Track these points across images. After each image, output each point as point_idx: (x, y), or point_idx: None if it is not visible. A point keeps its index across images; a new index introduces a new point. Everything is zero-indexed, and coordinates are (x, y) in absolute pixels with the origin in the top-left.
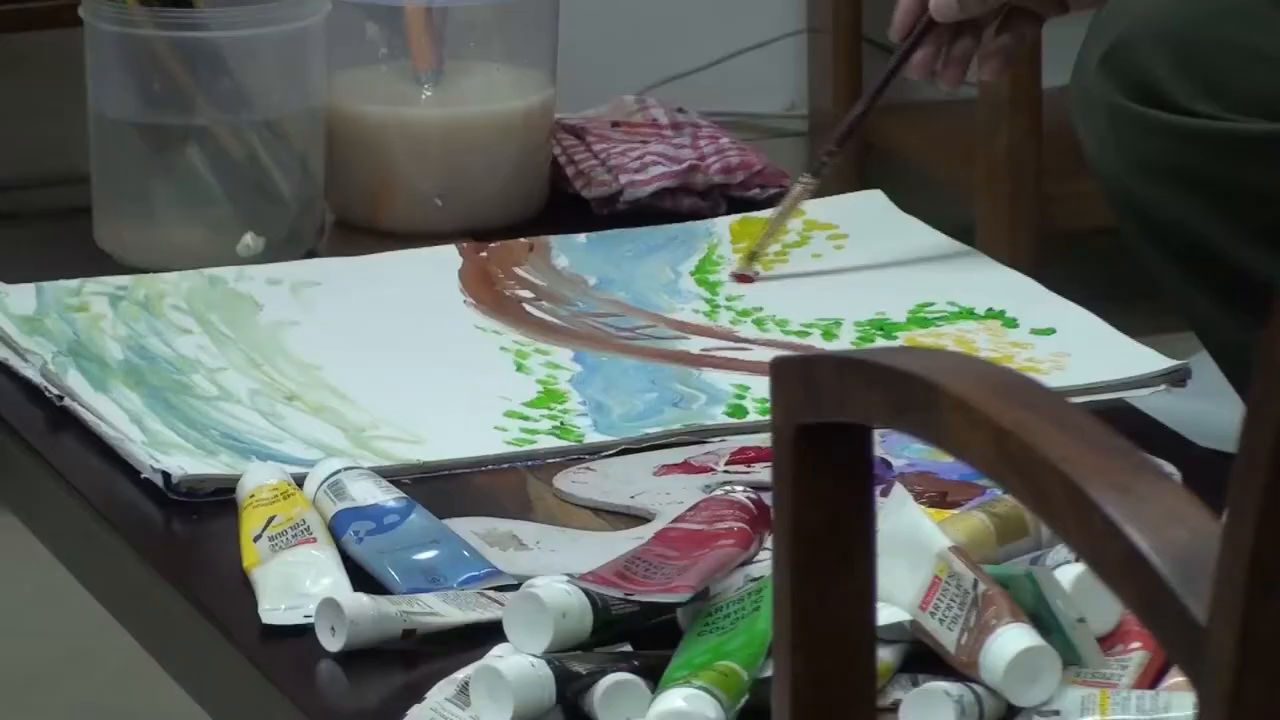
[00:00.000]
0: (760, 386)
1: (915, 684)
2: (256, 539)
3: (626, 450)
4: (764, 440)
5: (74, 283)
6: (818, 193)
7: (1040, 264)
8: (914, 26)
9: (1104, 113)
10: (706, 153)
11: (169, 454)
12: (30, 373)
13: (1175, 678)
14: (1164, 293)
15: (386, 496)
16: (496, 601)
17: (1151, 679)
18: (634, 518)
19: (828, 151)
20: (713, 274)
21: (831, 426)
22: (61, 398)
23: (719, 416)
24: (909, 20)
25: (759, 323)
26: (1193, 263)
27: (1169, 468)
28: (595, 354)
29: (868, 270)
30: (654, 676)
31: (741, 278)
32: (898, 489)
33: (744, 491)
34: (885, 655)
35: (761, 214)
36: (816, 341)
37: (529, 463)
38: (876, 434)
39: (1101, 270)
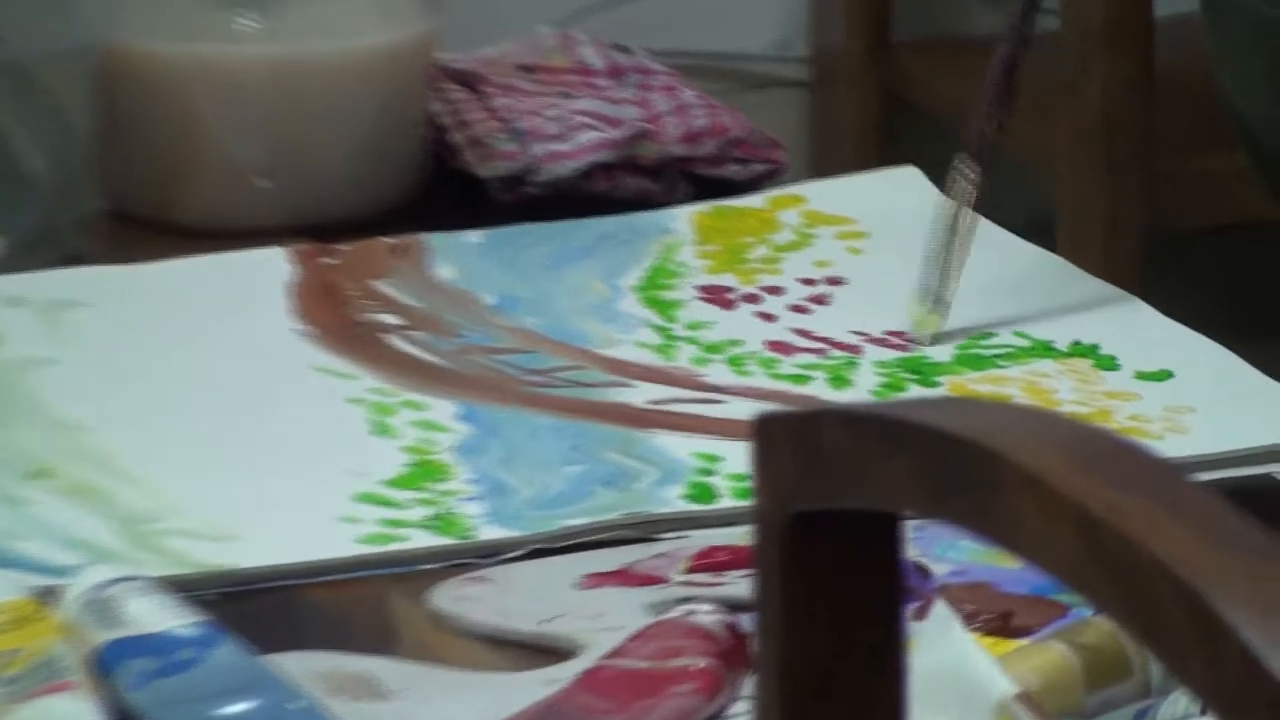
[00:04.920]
0: (736, 456)
1: None
2: None
3: (538, 552)
4: (742, 537)
5: None
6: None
7: (1148, 274)
8: None
9: (1248, 30)
10: (661, 111)
11: None
12: None
13: None
14: None
15: (179, 621)
16: None
17: None
18: (548, 651)
19: (994, 118)
20: (669, 289)
21: (842, 516)
22: None
23: (675, 501)
24: None
25: (735, 361)
26: None
27: None
28: (492, 409)
29: (895, 284)
30: None
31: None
32: (939, 608)
33: (712, 613)
34: None
35: (738, 202)
36: (820, 390)
37: (393, 570)
38: (908, 527)
39: (1236, 284)
